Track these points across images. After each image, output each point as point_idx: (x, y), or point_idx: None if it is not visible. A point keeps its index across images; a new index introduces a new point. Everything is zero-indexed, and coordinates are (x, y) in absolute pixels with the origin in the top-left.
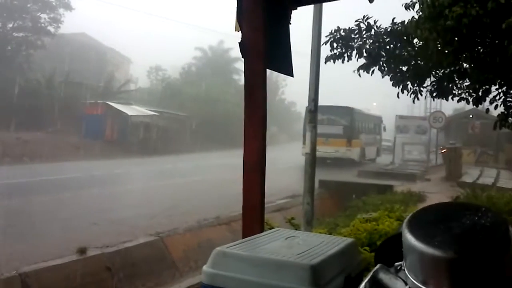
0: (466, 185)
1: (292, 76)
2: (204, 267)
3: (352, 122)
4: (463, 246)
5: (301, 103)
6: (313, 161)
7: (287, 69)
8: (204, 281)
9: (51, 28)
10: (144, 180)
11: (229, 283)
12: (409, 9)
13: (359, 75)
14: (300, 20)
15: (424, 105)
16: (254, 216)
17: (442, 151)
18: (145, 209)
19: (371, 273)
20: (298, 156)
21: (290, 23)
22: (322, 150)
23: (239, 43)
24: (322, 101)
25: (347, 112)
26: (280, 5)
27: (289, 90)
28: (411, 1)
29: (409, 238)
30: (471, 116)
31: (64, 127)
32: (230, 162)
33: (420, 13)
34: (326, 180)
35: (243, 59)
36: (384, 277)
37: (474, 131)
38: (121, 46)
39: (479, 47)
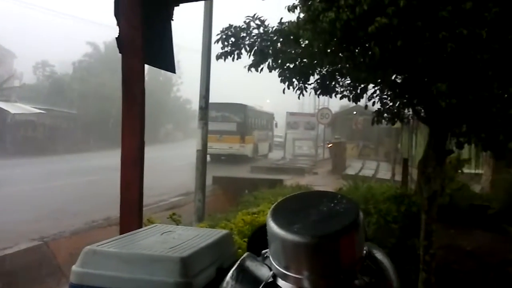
0: (349, 177)
1: (174, 72)
2: (73, 267)
3: (245, 119)
4: (319, 231)
5: (197, 100)
6: (204, 158)
7: (169, 66)
8: (73, 280)
9: None
10: (28, 182)
11: (99, 281)
12: (292, 12)
13: (251, 71)
14: (192, 17)
15: (313, 102)
16: (132, 213)
17: (329, 145)
18: (28, 213)
19: (238, 262)
20: (194, 153)
21: (172, 20)
22: (216, 147)
23: (116, 38)
24: (217, 98)
25: (240, 109)
26: (161, 2)
27: (184, 88)
28: (293, 4)
29: (272, 226)
30: (354, 112)
31: None
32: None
33: (302, 14)
34: (220, 176)
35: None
36: (250, 264)
37: (357, 126)
38: (2, 39)
39: (354, 48)
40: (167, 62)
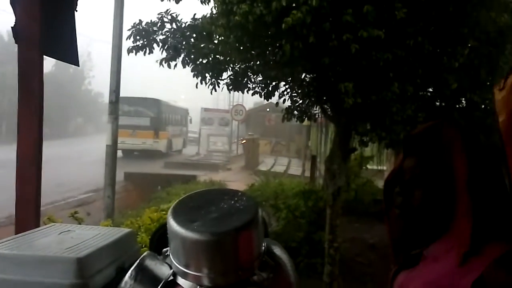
0: (262, 173)
1: (77, 65)
2: None
3: (159, 114)
4: (218, 228)
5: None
6: (114, 154)
7: (72, 58)
8: None
9: None
10: None
11: None
12: (205, 4)
13: (163, 66)
14: (105, 8)
15: (228, 98)
16: (28, 212)
17: (242, 142)
18: None
19: (138, 261)
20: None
21: (76, 10)
22: (129, 142)
23: (12, 27)
24: (131, 92)
25: (154, 104)
26: None
27: (96, 81)
28: None
29: (172, 224)
30: (268, 109)
31: None
32: None
33: (215, 9)
34: (132, 172)
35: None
36: (150, 263)
37: (270, 123)
38: None
39: (265, 45)
40: (69, 54)
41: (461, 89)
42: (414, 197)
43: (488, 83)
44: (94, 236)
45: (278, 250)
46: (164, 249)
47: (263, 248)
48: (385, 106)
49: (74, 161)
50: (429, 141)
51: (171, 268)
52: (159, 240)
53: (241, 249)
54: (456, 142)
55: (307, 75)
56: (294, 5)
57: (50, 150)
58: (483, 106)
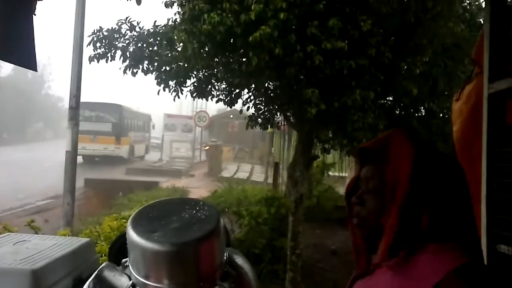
0: (225, 180)
1: (35, 70)
2: None
3: (121, 119)
4: (179, 239)
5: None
6: (73, 160)
7: (29, 63)
8: None
9: None
10: None
11: None
12: (169, 7)
13: (124, 74)
14: (67, 12)
15: (191, 105)
16: None
17: (205, 148)
18: None
19: (96, 272)
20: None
21: (35, 14)
22: (90, 148)
23: None
24: (92, 98)
25: (115, 109)
26: None
27: (56, 85)
28: (170, 0)
29: (131, 234)
30: (231, 116)
31: None
32: None
33: (179, 14)
34: (93, 178)
35: None
36: (109, 274)
37: (233, 130)
38: None
39: (231, 54)
40: (26, 59)
41: (420, 98)
42: (367, 206)
43: (446, 93)
44: (50, 246)
45: (240, 260)
46: (124, 260)
47: (225, 258)
48: (346, 114)
49: (33, 166)
50: (381, 151)
51: (130, 279)
52: (119, 250)
53: (203, 260)
54: (405, 150)
55: (271, 83)
56: (262, 17)
57: (8, 156)
58: (441, 115)
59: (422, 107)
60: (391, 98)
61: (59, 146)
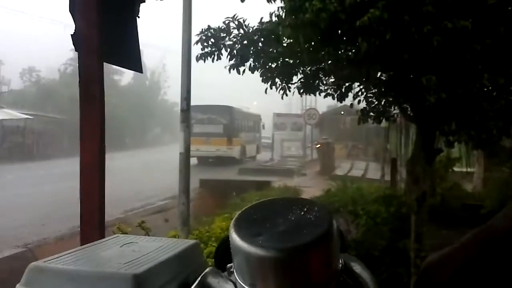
0: (338, 178)
1: (141, 72)
2: (18, 286)
3: (232, 121)
4: (285, 243)
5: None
6: (187, 161)
7: (135, 65)
8: None
9: None
10: (14, 187)
11: None
12: (271, 2)
13: (230, 72)
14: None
15: (300, 103)
16: (93, 223)
17: (317, 146)
18: (13, 219)
19: (199, 278)
20: None
21: (139, 17)
22: (204, 150)
23: (71, 35)
24: (203, 100)
25: (226, 111)
26: None
27: (172, 91)
28: None
29: (234, 238)
30: (342, 112)
31: None
32: (109, 165)
33: (282, 6)
34: (207, 179)
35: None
36: (213, 281)
37: (345, 126)
38: None
39: (337, 44)
40: (132, 62)
41: None
42: None
43: None
44: (156, 248)
45: (358, 267)
46: (229, 265)
47: (340, 265)
48: (473, 101)
49: (153, 169)
50: None
51: (235, 286)
52: (224, 254)
53: (314, 268)
54: None
55: (384, 73)
56: (370, 0)
57: (130, 159)
58: None
59: None
60: None
61: (176, 149)
